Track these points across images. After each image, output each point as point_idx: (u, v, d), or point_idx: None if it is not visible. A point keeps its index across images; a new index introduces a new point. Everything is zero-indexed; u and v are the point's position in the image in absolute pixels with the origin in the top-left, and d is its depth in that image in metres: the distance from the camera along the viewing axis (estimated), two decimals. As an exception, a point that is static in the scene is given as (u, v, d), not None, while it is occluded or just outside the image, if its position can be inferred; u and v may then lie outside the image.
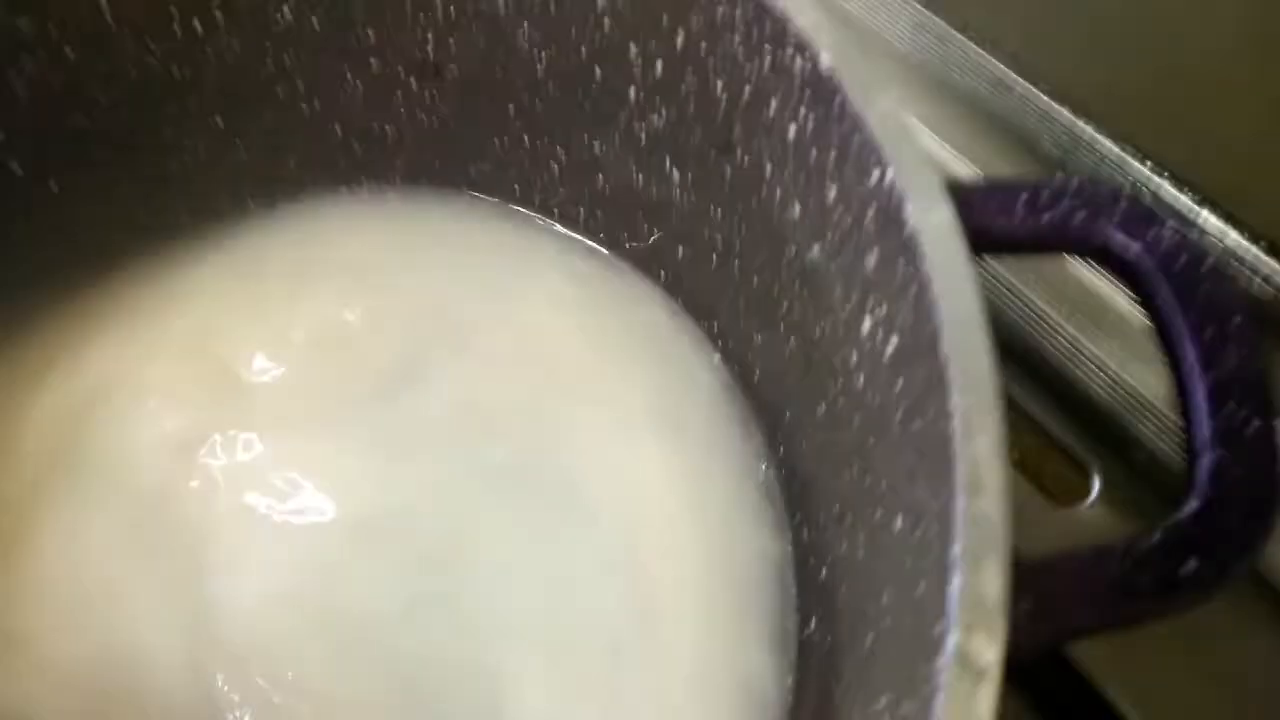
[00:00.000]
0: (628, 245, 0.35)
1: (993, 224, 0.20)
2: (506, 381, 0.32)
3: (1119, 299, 0.34)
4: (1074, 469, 0.34)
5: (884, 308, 0.21)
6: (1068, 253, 0.20)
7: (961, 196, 0.19)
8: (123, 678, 0.27)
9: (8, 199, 0.33)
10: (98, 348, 0.33)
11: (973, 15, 0.32)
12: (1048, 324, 0.34)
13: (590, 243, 0.36)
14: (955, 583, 0.15)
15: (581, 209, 0.36)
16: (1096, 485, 0.34)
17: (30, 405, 0.32)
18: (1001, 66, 0.31)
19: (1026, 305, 0.34)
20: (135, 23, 0.31)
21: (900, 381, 0.21)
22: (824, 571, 0.29)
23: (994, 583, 0.15)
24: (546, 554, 0.29)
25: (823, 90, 0.22)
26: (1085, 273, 0.34)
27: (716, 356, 0.33)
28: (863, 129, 0.20)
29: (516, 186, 0.36)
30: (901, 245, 0.20)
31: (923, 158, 0.20)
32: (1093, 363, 0.33)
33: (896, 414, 0.21)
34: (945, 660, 0.15)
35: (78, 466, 0.31)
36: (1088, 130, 0.29)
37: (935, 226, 0.19)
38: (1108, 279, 0.34)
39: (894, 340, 0.21)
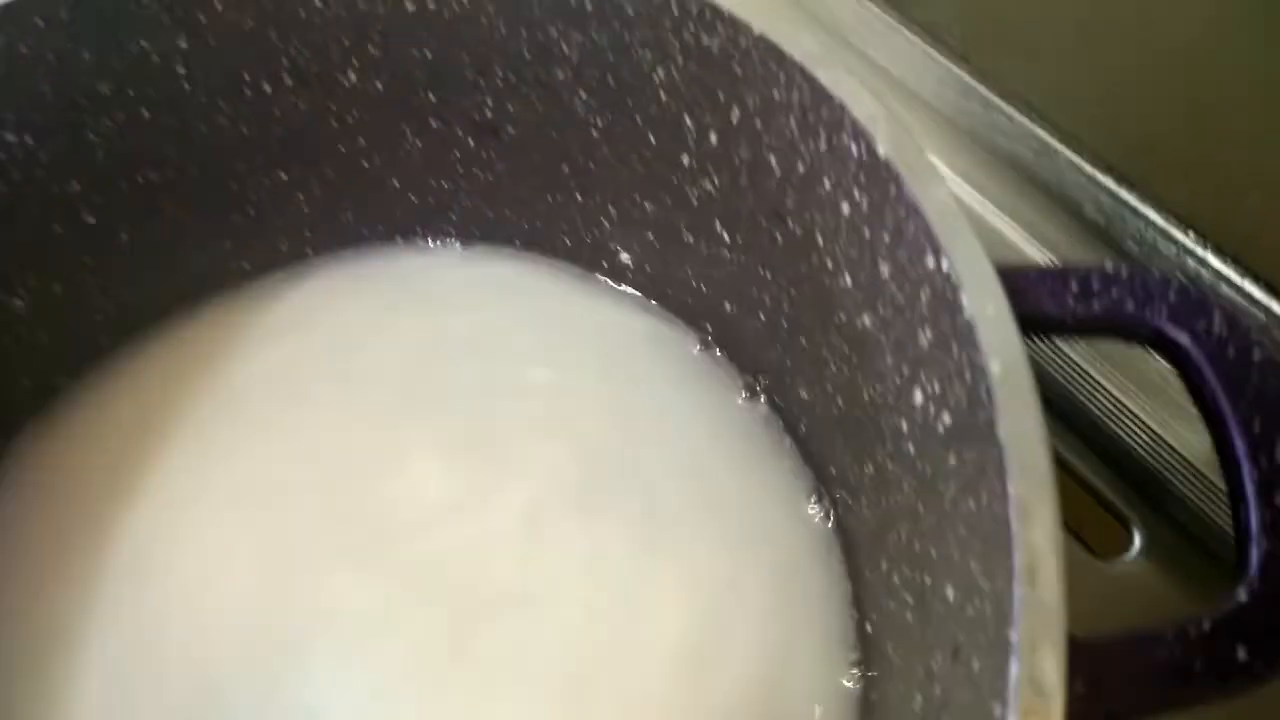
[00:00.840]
0: (674, 299, 0.36)
1: (1044, 309, 0.21)
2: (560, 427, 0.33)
3: (1160, 361, 0.34)
4: (1115, 523, 0.35)
5: (937, 384, 0.22)
6: (1117, 339, 0.21)
7: (1013, 282, 0.20)
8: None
9: (80, 248, 0.34)
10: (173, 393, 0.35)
11: (1017, 83, 0.33)
12: (1090, 382, 0.34)
13: (637, 294, 0.37)
14: (1014, 669, 0.16)
15: (630, 264, 0.37)
16: (1138, 540, 0.34)
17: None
18: (1044, 134, 0.32)
19: (1069, 364, 0.34)
20: (209, 85, 0.32)
21: (953, 458, 0.21)
22: (869, 626, 0.29)
23: (1052, 669, 0.16)
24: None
25: (878, 176, 0.23)
26: (1126, 334, 0.35)
27: (763, 407, 0.34)
28: (918, 215, 0.21)
29: (567, 240, 0.37)
30: (955, 330, 0.20)
31: (976, 245, 0.21)
32: (1134, 422, 0.34)
33: (949, 489, 0.22)
34: (1005, 742, 0.15)
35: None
36: (1131, 198, 0.30)
37: (990, 315, 0.19)
38: (1148, 341, 0.35)
39: (946, 417, 0.22)
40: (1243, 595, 0.18)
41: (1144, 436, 0.34)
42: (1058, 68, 0.34)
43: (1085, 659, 0.17)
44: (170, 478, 0.34)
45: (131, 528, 0.32)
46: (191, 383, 0.36)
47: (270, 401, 0.35)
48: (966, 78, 0.34)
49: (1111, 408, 0.35)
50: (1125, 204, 0.30)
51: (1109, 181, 0.31)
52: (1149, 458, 0.34)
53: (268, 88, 0.33)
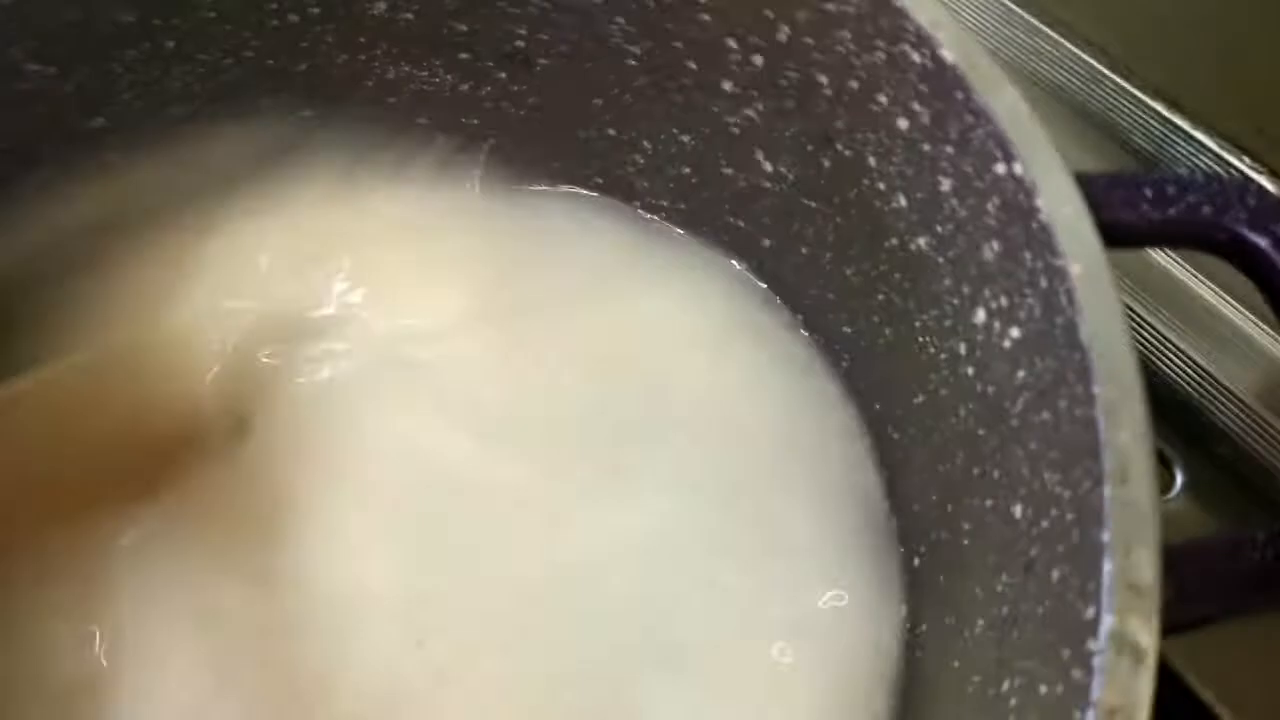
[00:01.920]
0: (710, 235, 0.36)
1: (1118, 217, 0.20)
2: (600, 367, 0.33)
3: (1203, 291, 0.34)
4: (1156, 463, 0.34)
5: (1003, 299, 0.21)
6: (1193, 248, 0.21)
7: (1087, 187, 0.20)
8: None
9: (106, 185, 0.33)
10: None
11: (1062, 9, 0.32)
12: (1131, 315, 0.34)
13: (674, 228, 0.36)
14: (1107, 568, 0.16)
15: (665, 200, 0.36)
16: (1180, 477, 0.34)
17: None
18: (1091, 60, 0.31)
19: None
20: (234, 16, 0.32)
21: (1022, 373, 0.21)
22: (916, 560, 0.29)
23: (1147, 568, 0.15)
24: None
25: (942, 84, 0.22)
26: (1168, 263, 0.34)
27: (803, 342, 0.33)
28: (989, 121, 0.20)
29: (599, 179, 0.37)
30: (1030, 237, 0.20)
31: (1050, 148, 0.20)
32: (1177, 356, 0.33)
33: (1015, 405, 0.21)
34: (1101, 644, 0.15)
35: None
36: (1183, 122, 0.29)
37: (1069, 218, 0.19)
38: (1191, 271, 0.34)
39: (1015, 331, 0.21)
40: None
41: (1187, 371, 0.34)
42: (1103, -7, 0.33)
43: (1173, 563, 0.16)
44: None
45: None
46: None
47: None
48: (1008, 2, 0.33)
49: (1155, 342, 0.34)
50: (1177, 129, 0.30)
51: (1160, 106, 0.30)
52: (1192, 393, 0.34)
53: (294, 19, 0.32)
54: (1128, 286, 0.35)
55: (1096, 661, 0.15)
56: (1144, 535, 0.16)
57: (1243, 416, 0.33)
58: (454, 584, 0.30)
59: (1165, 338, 0.34)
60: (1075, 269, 0.18)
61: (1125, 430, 0.17)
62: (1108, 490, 0.16)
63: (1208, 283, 0.34)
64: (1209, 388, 0.33)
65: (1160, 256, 0.35)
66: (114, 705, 0.28)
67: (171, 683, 0.28)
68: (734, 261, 0.35)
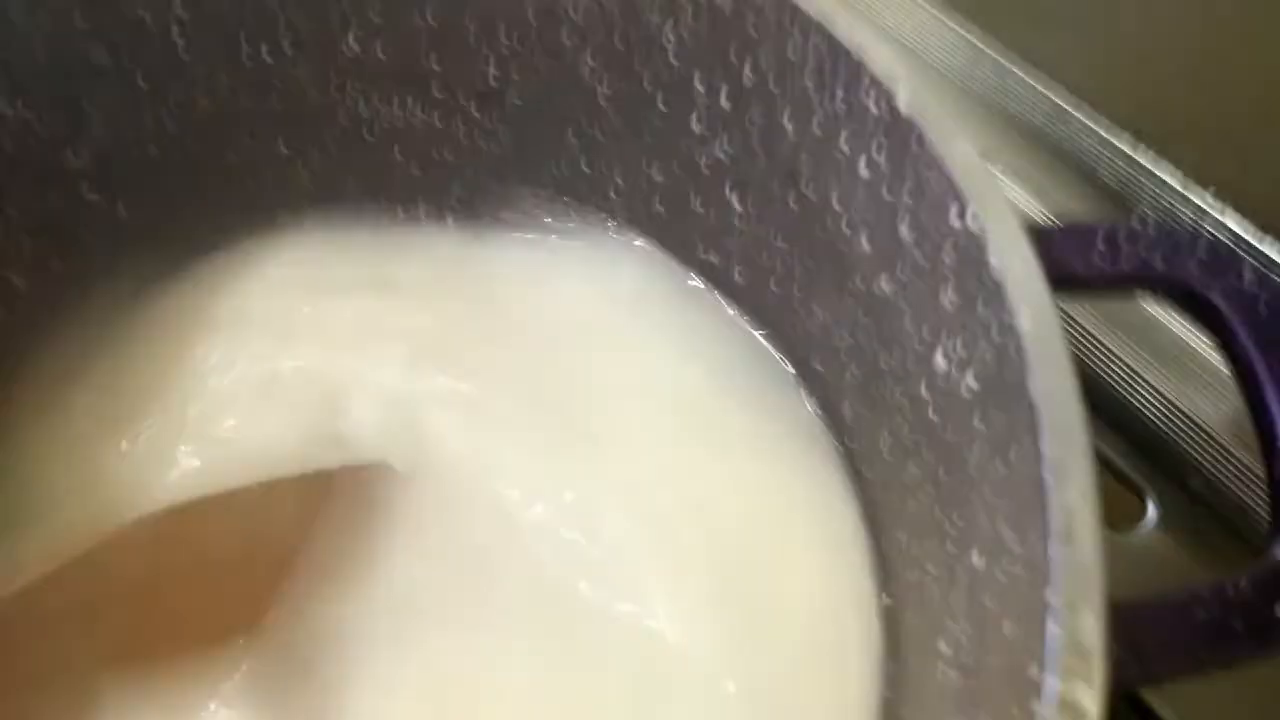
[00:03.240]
0: (682, 269, 0.36)
1: (1071, 266, 0.20)
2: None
3: (1175, 327, 0.34)
4: (1129, 494, 0.34)
5: (961, 347, 0.22)
6: (1146, 294, 0.21)
7: (1040, 238, 0.20)
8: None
9: (78, 223, 0.33)
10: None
11: (1029, 45, 0.32)
12: (1104, 352, 0.34)
13: (642, 263, 0.36)
14: (1052, 629, 0.16)
15: (636, 232, 0.36)
16: (1151, 510, 0.34)
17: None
18: (1056, 98, 0.31)
19: (1082, 334, 0.34)
20: (207, 54, 0.32)
21: (978, 422, 0.21)
22: (886, 597, 0.29)
23: (1093, 631, 0.15)
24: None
25: (898, 130, 0.22)
26: (1143, 302, 0.35)
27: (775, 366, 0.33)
28: (941, 169, 0.21)
29: (572, 211, 0.37)
30: (981, 286, 0.20)
31: (1002, 199, 0.20)
32: (1148, 391, 0.33)
33: (974, 454, 0.21)
34: (1046, 707, 0.15)
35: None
36: (1147, 160, 0.30)
37: (1019, 270, 0.19)
38: (1163, 309, 0.34)
39: (971, 380, 0.21)
40: (1280, 554, 0.18)
41: (1159, 405, 0.34)
42: (1069, 31, 0.34)
43: (1123, 622, 0.16)
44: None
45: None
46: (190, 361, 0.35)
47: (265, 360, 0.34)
48: (977, 42, 0.33)
49: (1126, 377, 0.34)
50: (1141, 166, 0.30)
51: (1124, 144, 0.30)
52: (1164, 427, 0.34)
53: (268, 57, 0.33)
54: (1101, 321, 0.35)
55: (1040, 724, 0.15)
56: (1089, 597, 0.16)
57: (1214, 451, 0.33)
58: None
59: (1137, 373, 0.34)
60: (1025, 323, 0.18)
61: (1072, 488, 0.17)
62: (1053, 549, 0.16)
63: (1179, 319, 0.34)
64: (1180, 422, 0.34)
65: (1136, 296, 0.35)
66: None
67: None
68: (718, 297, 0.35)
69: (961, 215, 0.20)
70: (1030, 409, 0.18)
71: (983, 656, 0.20)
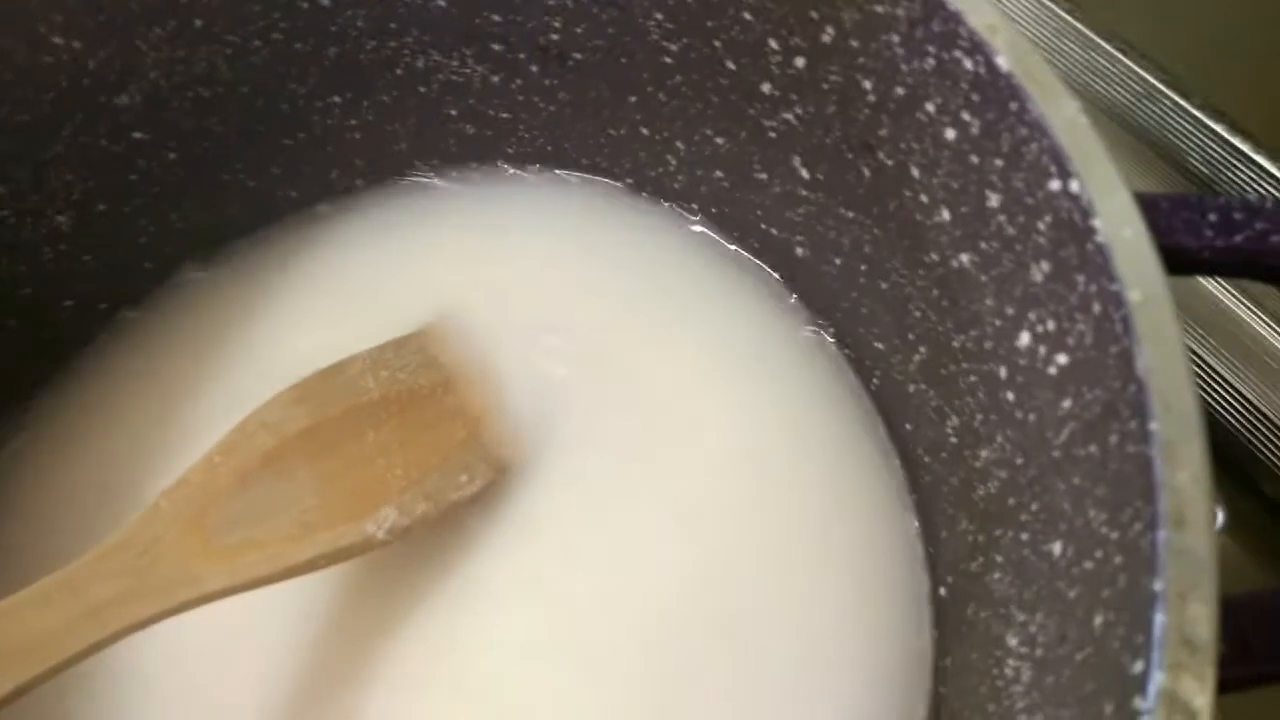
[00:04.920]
0: (742, 240, 0.35)
1: (1179, 242, 0.19)
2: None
3: (1254, 324, 0.32)
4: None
5: (1051, 323, 0.20)
6: (1259, 279, 0.19)
7: (1147, 208, 0.18)
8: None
9: (126, 165, 0.33)
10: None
11: (1120, 23, 0.31)
12: (1178, 346, 0.32)
13: (703, 231, 0.35)
14: (1159, 620, 0.14)
15: (695, 201, 0.35)
16: (1221, 516, 0.32)
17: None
18: (1149, 78, 0.30)
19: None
20: (266, -4, 0.31)
21: (1067, 401, 0.20)
22: (943, 590, 0.28)
23: (1204, 623, 0.14)
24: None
25: (996, 94, 0.21)
26: (1215, 289, 0.33)
27: (832, 355, 0.32)
28: (1044, 135, 0.19)
29: (630, 179, 0.36)
30: (1083, 259, 0.19)
31: (1110, 164, 0.19)
32: (1222, 387, 0.32)
33: (1059, 435, 0.20)
34: (1150, 703, 0.14)
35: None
36: (1243, 145, 0.28)
37: (1129, 241, 0.18)
38: (1239, 299, 0.33)
39: (1061, 357, 0.20)
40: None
41: (1234, 404, 0.32)
42: (1163, 8, 0.32)
43: (1230, 615, 0.15)
44: (213, 416, 0.32)
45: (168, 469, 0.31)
46: (238, 316, 0.35)
47: (319, 339, 0.33)
48: (1065, 16, 0.32)
49: (1199, 372, 0.33)
50: (1236, 151, 0.28)
51: (1219, 127, 0.29)
52: (1237, 426, 0.33)
53: (326, 1, 0.32)
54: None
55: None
56: (1201, 586, 0.15)
57: (1290, 454, 0.32)
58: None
59: (1211, 368, 0.33)
60: (1134, 295, 0.17)
61: (1184, 471, 0.15)
62: (1162, 535, 0.15)
63: (1257, 312, 0.33)
64: (1256, 423, 0.32)
65: (1208, 282, 0.34)
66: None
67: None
68: (766, 268, 0.34)
69: (1064, 180, 0.19)
70: (1138, 387, 0.16)
71: (1063, 650, 0.19)
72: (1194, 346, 0.33)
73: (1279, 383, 0.32)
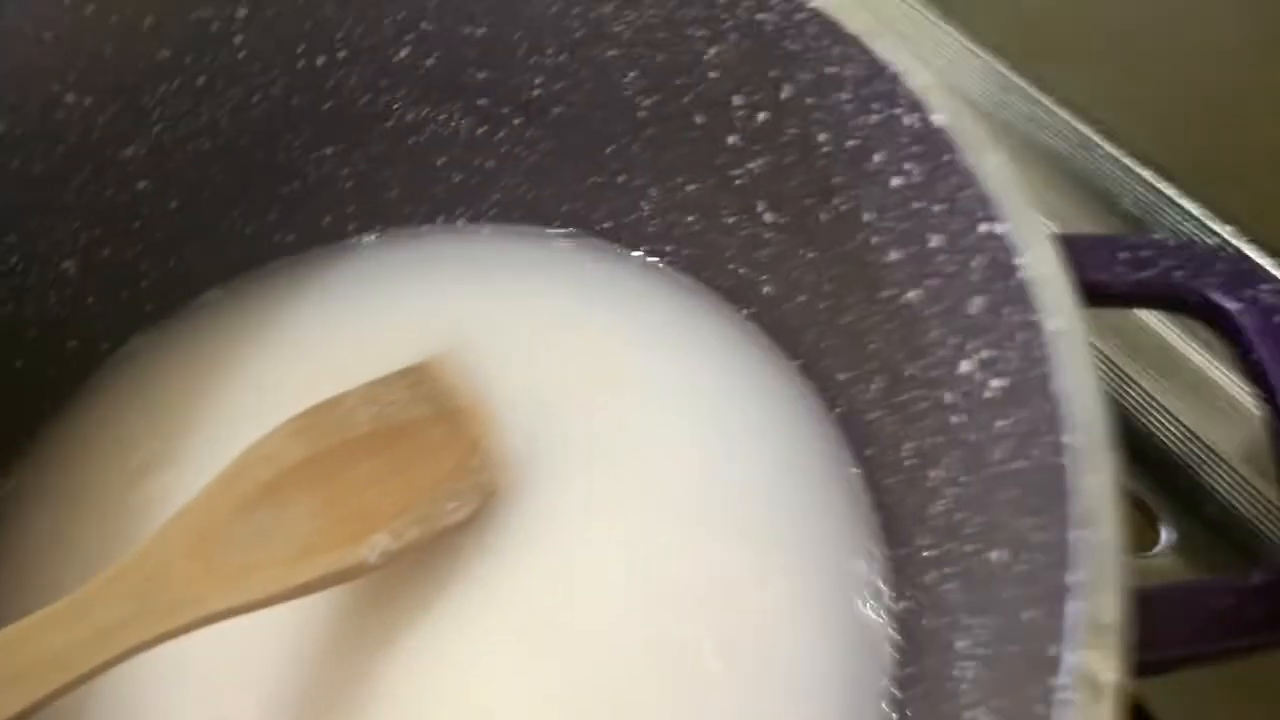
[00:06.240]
0: (713, 281, 0.37)
1: (1095, 277, 0.21)
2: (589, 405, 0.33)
3: (1193, 354, 0.35)
4: (1143, 518, 0.35)
5: (986, 351, 0.22)
6: (1165, 309, 0.22)
7: (1066, 247, 0.21)
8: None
9: (131, 213, 0.34)
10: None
11: (1057, 78, 0.33)
12: (1120, 376, 0.35)
13: (676, 275, 0.37)
14: (1073, 607, 0.16)
15: (669, 244, 0.37)
16: (1165, 535, 0.34)
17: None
18: (1084, 128, 0.32)
19: (1100, 358, 0.35)
20: (264, 56, 0.33)
21: (1001, 422, 0.22)
22: (904, 602, 0.30)
23: (1112, 607, 0.16)
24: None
25: (932, 146, 0.23)
26: (1159, 327, 0.35)
27: (799, 386, 0.34)
28: (974, 183, 0.22)
29: (608, 223, 0.38)
30: (1010, 293, 0.21)
31: (1030, 209, 0.21)
32: (1165, 415, 0.34)
33: (997, 453, 0.22)
34: (1065, 678, 0.16)
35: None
36: (1171, 190, 0.31)
37: (1048, 277, 0.20)
38: (1181, 333, 0.35)
39: (996, 382, 0.22)
40: (1294, 552, 0.19)
41: (1175, 430, 0.34)
42: (1097, 66, 0.35)
43: (1142, 606, 0.17)
44: (210, 451, 0.34)
45: (167, 502, 0.32)
46: (234, 356, 0.36)
47: (313, 379, 0.35)
48: (1008, 73, 0.34)
49: (1143, 403, 0.35)
50: (1164, 196, 0.31)
51: (1149, 174, 0.31)
52: (1181, 454, 0.35)
53: (321, 60, 0.34)
54: (1120, 347, 0.36)
55: (1059, 697, 0.16)
56: (1109, 576, 0.16)
57: (1229, 478, 0.34)
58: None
59: (1154, 398, 0.35)
60: (1050, 324, 0.19)
61: (1094, 477, 0.17)
62: (1075, 534, 0.17)
63: (1196, 346, 0.35)
64: (1196, 449, 0.34)
65: (1152, 319, 0.36)
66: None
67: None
68: (736, 307, 0.36)
69: (991, 223, 0.21)
70: (1054, 404, 0.18)
71: (1003, 647, 0.20)
72: (1139, 378, 0.35)
73: (1217, 411, 0.34)
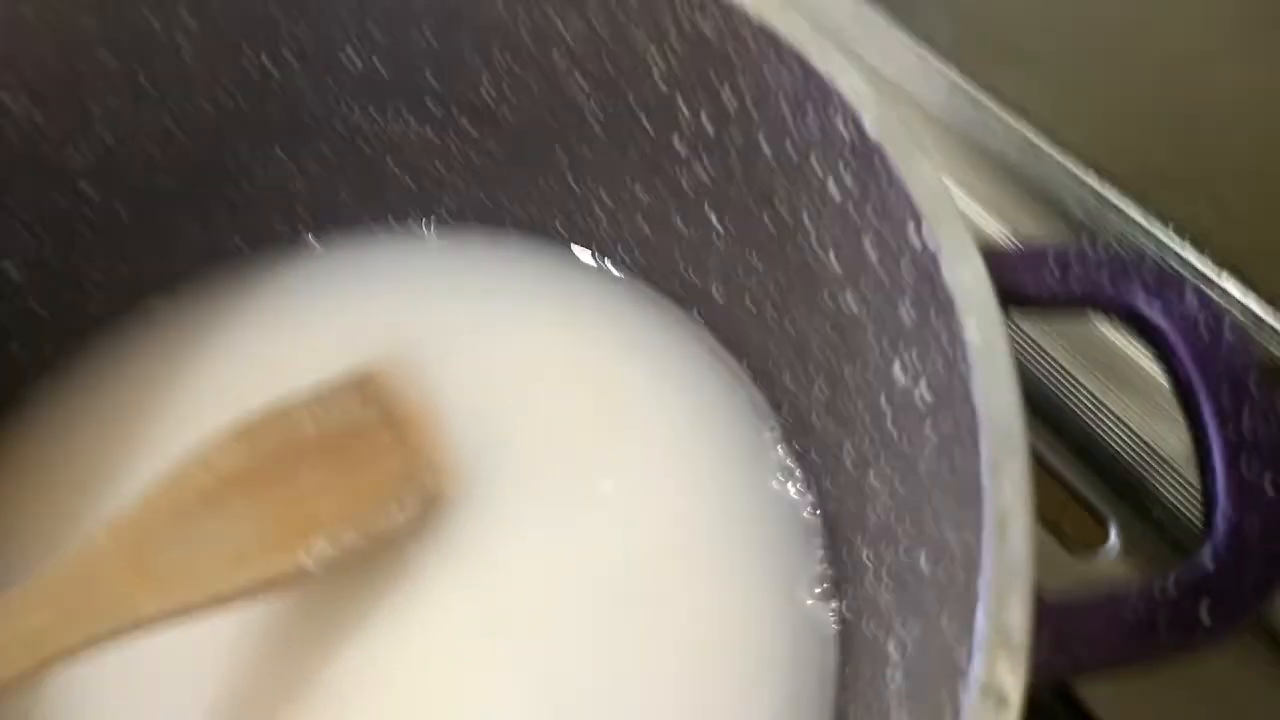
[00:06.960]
0: (664, 285, 0.37)
1: (1023, 283, 0.21)
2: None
3: (1141, 359, 0.35)
4: (1092, 520, 0.35)
5: (915, 355, 0.22)
6: (1093, 312, 0.22)
7: (994, 256, 0.21)
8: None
9: (78, 219, 0.34)
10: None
11: (1005, 83, 0.34)
12: (1070, 381, 0.35)
13: (628, 279, 0.38)
14: (980, 613, 0.16)
15: (620, 248, 0.37)
16: (1114, 536, 0.35)
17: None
18: (1030, 134, 0.33)
19: (1050, 363, 0.35)
20: (212, 61, 0.33)
21: (928, 427, 0.22)
22: (846, 610, 0.30)
23: (1018, 616, 0.16)
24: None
25: (865, 151, 0.23)
26: (1108, 333, 0.36)
27: (746, 389, 0.34)
28: (901, 188, 0.22)
29: (560, 227, 0.38)
30: (934, 297, 0.21)
31: (957, 217, 0.21)
32: (1113, 419, 0.34)
33: (925, 459, 0.22)
34: (970, 685, 0.16)
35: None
36: (1113, 195, 0.31)
37: (967, 281, 0.20)
38: (1129, 340, 0.35)
39: (924, 387, 0.22)
40: (1208, 560, 0.19)
41: (1122, 435, 0.35)
42: (1046, 72, 0.35)
43: (1052, 615, 0.17)
44: (156, 456, 0.34)
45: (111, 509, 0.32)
46: (183, 360, 0.36)
47: (262, 383, 0.35)
48: (957, 78, 0.35)
49: (1092, 406, 0.35)
50: (1108, 201, 0.31)
51: (1092, 180, 0.31)
52: (1127, 456, 0.35)
53: (270, 65, 0.34)
54: (1068, 351, 0.36)
55: (963, 703, 0.16)
56: (1017, 587, 0.17)
57: (1174, 480, 0.34)
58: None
59: (1103, 402, 0.35)
60: (971, 330, 0.19)
61: (1007, 484, 0.18)
62: (986, 541, 0.17)
63: (1144, 351, 0.35)
64: (1143, 452, 0.34)
65: (1102, 326, 0.36)
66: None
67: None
68: (685, 310, 0.36)
69: (919, 231, 0.21)
70: (973, 411, 0.19)
71: (924, 655, 0.21)
72: (1087, 382, 0.35)
73: (1163, 415, 0.34)
